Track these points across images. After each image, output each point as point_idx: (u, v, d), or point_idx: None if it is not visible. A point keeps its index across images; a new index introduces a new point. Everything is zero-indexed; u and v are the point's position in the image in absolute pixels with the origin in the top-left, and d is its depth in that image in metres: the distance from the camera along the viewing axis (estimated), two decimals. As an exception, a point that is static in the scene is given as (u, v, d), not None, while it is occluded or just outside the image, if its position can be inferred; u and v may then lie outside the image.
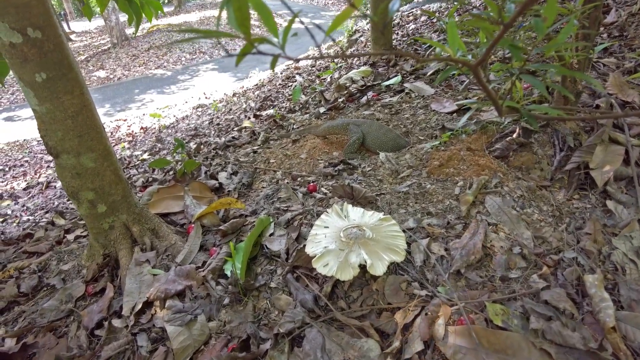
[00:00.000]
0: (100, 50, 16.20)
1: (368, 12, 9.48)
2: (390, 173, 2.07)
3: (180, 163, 2.69)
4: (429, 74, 3.43)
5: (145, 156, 6.52)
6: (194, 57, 15.66)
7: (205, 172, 2.41)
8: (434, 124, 2.51)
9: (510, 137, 2.02)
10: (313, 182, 2.13)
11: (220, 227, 1.79)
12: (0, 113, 11.57)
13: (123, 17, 16.62)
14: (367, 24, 8.80)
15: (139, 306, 1.47)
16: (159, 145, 7.21)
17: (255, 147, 2.93)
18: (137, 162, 6.15)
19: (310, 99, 4.17)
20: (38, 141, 8.97)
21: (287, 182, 2.21)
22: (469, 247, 1.50)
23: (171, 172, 3.09)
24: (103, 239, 1.80)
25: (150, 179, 3.14)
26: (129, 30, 18.03)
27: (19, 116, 11.13)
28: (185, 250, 1.73)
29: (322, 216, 1.55)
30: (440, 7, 6.30)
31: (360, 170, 2.15)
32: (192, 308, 1.42)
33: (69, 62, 1.51)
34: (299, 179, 2.22)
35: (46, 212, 5.98)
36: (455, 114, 2.55)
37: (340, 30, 11.88)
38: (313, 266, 1.34)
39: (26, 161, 7.88)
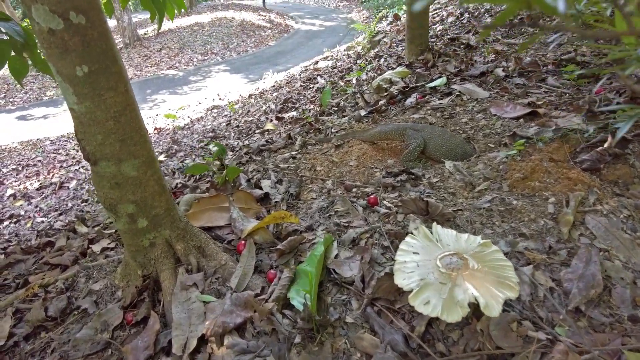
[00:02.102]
0: (112, 50, 16.07)
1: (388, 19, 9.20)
2: (463, 185, 1.83)
3: (217, 168, 2.46)
4: (477, 74, 3.18)
5: (162, 157, 6.31)
6: (205, 57, 15.51)
7: (248, 180, 2.18)
8: (500, 130, 2.27)
9: (601, 147, 1.77)
10: (372, 193, 1.89)
11: (278, 247, 1.56)
12: (14, 112, 11.45)
13: (135, 18, 16.53)
14: (387, 25, 8.57)
15: (193, 343, 1.24)
16: (175, 146, 7.01)
17: (293, 153, 2.70)
18: (154, 164, 5.94)
19: (342, 101, 3.94)
20: (51, 141, 8.82)
21: (341, 193, 1.97)
22: (587, 278, 1.25)
23: (204, 179, 2.86)
24: (142, 257, 1.57)
25: (178, 185, 2.92)
26: (142, 30, 17.95)
27: (32, 115, 11.01)
28: (238, 272, 1.50)
29: (408, 239, 1.31)
30: (476, 7, 6.04)
31: (426, 182, 1.91)
32: (257, 347, 1.19)
33: (113, 53, 1.28)
34: (353, 189, 1.99)
35: (60, 214, 5.78)
36: (522, 120, 2.30)
37: (360, 31, 11.64)
38: (410, 303, 1.10)
39: (39, 161, 7.71)
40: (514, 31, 4.36)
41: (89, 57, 1.22)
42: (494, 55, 3.55)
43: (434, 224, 1.33)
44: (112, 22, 21.23)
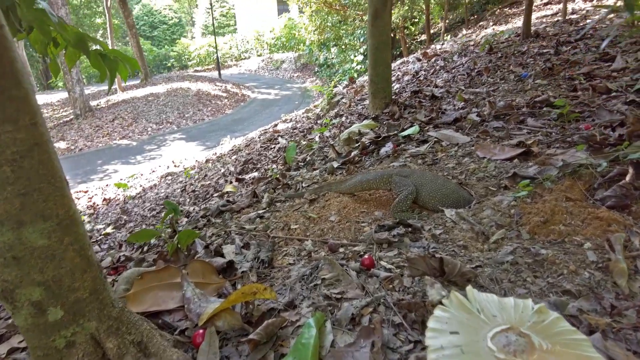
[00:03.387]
0: (61, 122, 15.46)
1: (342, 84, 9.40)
2: (474, 236, 1.51)
3: (169, 236, 2.02)
4: (451, 121, 3.02)
5: (109, 230, 5.69)
6: (160, 127, 15.18)
7: (206, 247, 1.75)
8: (495, 173, 2.02)
9: (624, 181, 1.54)
10: (365, 253, 1.53)
11: (250, 336, 1.13)
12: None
13: (88, 90, 16.19)
14: (343, 88, 8.70)
15: None
16: (125, 217, 6.40)
17: (260, 211, 2.31)
18: (100, 237, 5.32)
19: (309, 156, 3.66)
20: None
21: (326, 255, 1.59)
22: (682, 349, 0.92)
23: (154, 249, 2.39)
24: (54, 365, 1.08)
25: (121, 258, 2.41)
26: (94, 102, 17.53)
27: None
28: (195, 378, 1.05)
29: (438, 312, 0.93)
30: (431, 64, 6.20)
31: (427, 234, 1.57)
32: None
33: (13, 71, 0.91)
34: (340, 249, 1.61)
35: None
36: (516, 160, 2.07)
37: (317, 95, 11.85)
38: (468, 416, 0.71)
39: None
40: (475, 82, 4.38)
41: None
42: (462, 103, 3.46)
43: (469, 287, 0.97)
44: (63, 94, 20.70)
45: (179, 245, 1.67)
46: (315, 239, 1.74)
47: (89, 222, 6.86)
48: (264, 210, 2.31)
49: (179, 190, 6.80)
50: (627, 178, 1.54)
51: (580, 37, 5.16)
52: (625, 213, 1.48)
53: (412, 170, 1.97)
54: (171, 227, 2.32)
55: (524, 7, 10.50)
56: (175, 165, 9.88)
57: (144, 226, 5.09)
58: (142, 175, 9.83)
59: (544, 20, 8.31)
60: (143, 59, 21.31)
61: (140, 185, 8.74)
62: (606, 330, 1.02)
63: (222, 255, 1.69)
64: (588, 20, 6.79)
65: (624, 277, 1.16)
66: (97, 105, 17.32)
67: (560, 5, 8.82)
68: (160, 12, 34.14)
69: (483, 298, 0.96)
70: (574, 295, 1.16)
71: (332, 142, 3.52)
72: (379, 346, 1.03)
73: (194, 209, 4.84)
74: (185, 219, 4.14)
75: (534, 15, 8.45)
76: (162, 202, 6.03)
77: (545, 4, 10.59)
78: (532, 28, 6.37)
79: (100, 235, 5.35)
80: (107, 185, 9.52)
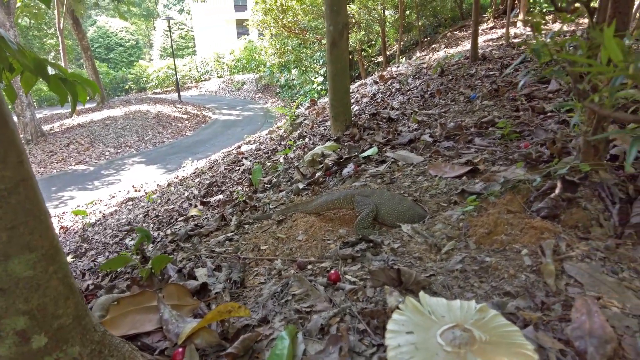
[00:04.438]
0: (10, 148, 14.73)
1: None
2: (427, 248, 1.67)
3: (139, 261, 2.06)
4: (406, 142, 3.24)
5: (69, 259, 5.51)
6: (119, 151, 14.82)
7: (179, 271, 1.82)
8: (446, 190, 2.21)
9: (554, 194, 1.76)
10: (331, 268, 1.65)
11: (228, 350, 1.22)
12: None
13: (40, 113, 15.60)
14: (305, 109, 8.92)
15: None
16: (85, 245, 6.22)
17: (229, 234, 2.40)
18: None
19: (274, 178, 3.77)
20: None
21: (295, 273, 1.70)
22: (597, 332, 1.10)
23: (122, 276, 2.41)
24: (37, 391, 1.13)
25: (89, 287, 2.41)
26: (47, 126, 16.89)
27: None
28: (177, 393, 1.12)
29: (395, 316, 1.07)
30: (387, 87, 6.52)
31: (387, 248, 1.72)
32: None
33: (2, 113, 0.99)
34: (308, 266, 1.73)
35: None
36: (464, 177, 2.29)
37: (280, 117, 12.01)
38: (421, 401, 0.84)
39: None
40: (428, 104, 4.68)
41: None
42: (416, 125, 3.70)
43: (421, 293, 1.12)
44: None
45: (153, 271, 1.73)
46: (284, 258, 1.85)
47: (46, 252, 6.60)
48: (232, 233, 2.39)
49: (141, 215, 6.69)
50: (557, 191, 1.77)
51: (521, 61, 5.63)
52: (555, 222, 1.69)
53: (372, 190, 2.13)
54: (140, 253, 2.35)
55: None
56: (135, 190, 9.67)
57: (107, 254, 4.98)
58: (101, 201, 9.56)
59: (490, 43, 8.93)
60: (99, 82, 20.84)
61: (100, 212, 8.50)
62: (537, 323, 1.19)
63: (195, 278, 1.77)
64: (522, 47, 7.37)
65: (552, 277, 1.35)
66: (51, 129, 16.71)
67: (504, 30, 9.52)
68: (116, 34, 33.56)
69: (434, 302, 1.11)
70: (513, 295, 1.33)
71: (296, 164, 3.66)
72: (346, 351, 1.15)
73: (158, 234, 4.81)
74: (152, 245, 4.13)
75: (480, 39, 9.04)
76: (125, 229, 5.92)
77: (491, 29, 11.37)
78: (480, 51, 6.85)
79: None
80: (63, 213, 9.18)
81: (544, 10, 11.55)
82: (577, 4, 1.14)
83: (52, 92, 2.00)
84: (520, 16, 10.36)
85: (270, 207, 2.73)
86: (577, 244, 1.52)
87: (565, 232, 1.60)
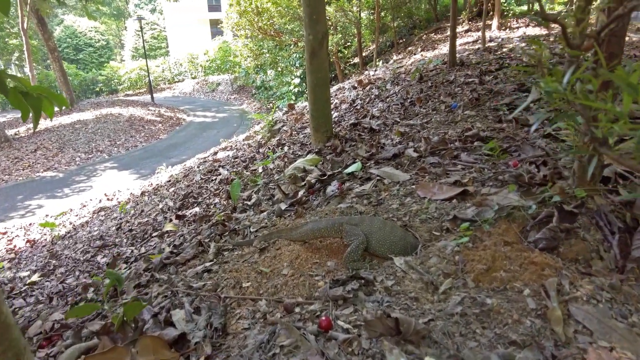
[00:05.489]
0: (-29, 155, 14.04)
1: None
2: (423, 287, 1.57)
3: (112, 305, 1.88)
4: (390, 157, 3.15)
5: (35, 277, 5.20)
6: (90, 156, 14.30)
7: (155, 316, 1.65)
8: (436, 214, 2.12)
9: (551, 224, 1.68)
10: (321, 311, 1.53)
11: None
12: None
13: (3, 117, 14.88)
14: (283, 114, 8.76)
15: None
16: (54, 261, 5.90)
17: (207, 264, 2.24)
18: (24, 288, 4.84)
19: (254, 194, 3.62)
20: None
21: (282, 317, 1.57)
22: (616, 399, 1.01)
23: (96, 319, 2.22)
24: None
25: (55, 325, 2.21)
26: (12, 130, 16.15)
27: None
28: None
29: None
30: (366, 93, 6.44)
31: (380, 286, 1.61)
32: None
33: None
34: (296, 309, 1.60)
35: None
36: (454, 200, 2.20)
37: (256, 121, 11.78)
38: None
39: None
40: (409, 112, 4.61)
41: None
42: (399, 138, 3.62)
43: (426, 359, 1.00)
44: (-28, 125, 18.81)
45: (126, 319, 1.56)
46: (269, 297, 1.71)
47: (10, 268, 6.24)
48: (211, 263, 2.24)
49: (114, 228, 6.40)
50: (554, 221, 1.69)
51: (499, 67, 5.64)
52: (554, 254, 1.62)
53: (361, 218, 2.02)
54: (115, 292, 2.17)
55: (448, 34, 11.28)
56: (108, 199, 9.31)
57: (77, 273, 4.71)
58: (71, 210, 9.15)
59: (467, 47, 8.98)
60: (68, 84, 20.07)
61: (70, 223, 8.13)
62: (551, 383, 1.10)
63: (173, 324, 1.61)
64: (504, 49, 7.44)
65: (560, 325, 1.26)
66: (16, 134, 15.98)
67: (479, 33, 9.60)
68: (85, 34, 32.44)
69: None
70: (519, 345, 1.23)
71: (277, 177, 3.52)
72: None
73: (132, 252, 4.58)
74: (125, 265, 3.90)
75: (457, 42, 9.09)
76: (97, 244, 5.63)
77: (466, 31, 11.47)
78: (457, 55, 6.85)
79: (25, 285, 4.86)
80: (30, 224, 8.74)
81: (517, 14, 11.74)
82: (590, 41, 1.06)
83: (13, 107, 1.81)
84: (495, 20, 10.48)
85: (251, 230, 2.58)
86: (580, 282, 1.45)
87: (566, 267, 1.52)
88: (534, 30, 9.59)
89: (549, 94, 1.00)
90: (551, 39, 7.94)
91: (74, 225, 7.84)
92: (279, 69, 16.92)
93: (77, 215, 8.57)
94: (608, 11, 0.99)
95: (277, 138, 6.76)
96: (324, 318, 1.44)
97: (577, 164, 1.80)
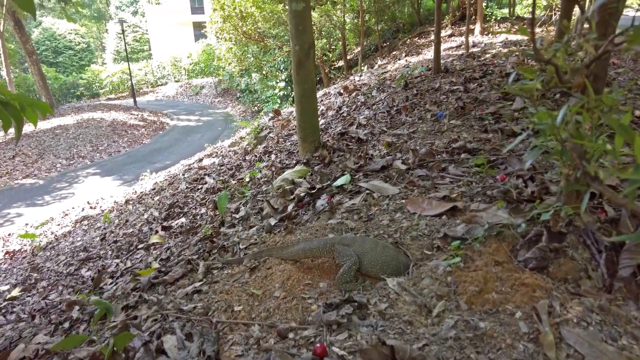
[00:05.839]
0: (-55, 163, 13.63)
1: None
2: (417, 310, 1.57)
3: (100, 329, 1.83)
4: (379, 169, 3.16)
5: (16, 292, 5.07)
6: (71, 162, 14.03)
7: (145, 344, 1.62)
8: (427, 231, 2.13)
9: (541, 244, 1.71)
10: (315, 337, 1.52)
11: None
12: None
13: (-21, 125, 14.45)
14: (269, 120, 8.73)
15: None
16: (35, 275, 5.76)
17: (197, 284, 2.21)
18: (4, 304, 4.70)
19: (242, 206, 3.59)
20: None
21: (275, 343, 1.55)
22: None
23: (79, 326, 2.18)
24: None
25: (40, 350, 2.15)
26: (-12, 138, 15.72)
27: None
28: None
29: None
30: (353, 100, 6.46)
31: (374, 310, 1.61)
32: None
33: None
34: (289, 334, 1.59)
35: None
36: (444, 216, 2.22)
37: (240, 125, 11.70)
38: None
39: None
40: (395, 121, 4.64)
41: None
42: (386, 150, 3.63)
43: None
44: (-53, 131, 18.26)
45: (116, 349, 1.53)
46: (262, 322, 1.69)
47: (-12, 282, 6.06)
48: (201, 283, 2.21)
49: (98, 239, 6.28)
50: (543, 241, 1.72)
51: (483, 74, 5.72)
52: (544, 274, 1.64)
53: (353, 237, 2.02)
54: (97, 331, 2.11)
55: (432, 38, 11.38)
56: (91, 207, 9.13)
57: (60, 288, 4.60)
58: (52, 219, 8.95)
59: (450, 52, 9.09)
60: (47, 88, 19.65)
61: (52, 232, 7.95)
62: (546, 412, 1.11)
63: (165, 352, 1.58)
64: (487, 55, 7.55)
65: (553, 349, 1.28)
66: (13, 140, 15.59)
67: (463, 38, 9.74)
68: (64, 37, 31.81)
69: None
70: (514, 372, 1.25)
71: (266, 192, 3.50)
72: None
73: (117, 265, 4.50)
74: (110, 280, 3.83)
75: (441, 47, 9.20)
76: (80, 257, 5.51)
77: (449, 36, 11.62)
78: (442, 62, 6.92)
79: (5, 300, 4.72)
80: (9, 234, 8.52)
81: (499, 19, 11.94)
82: (581, 78, 1.08)
83: (-6, 118, 1.75)
84: (478, 25, 10.64)
85: (241, 247, 2.56)
86: (570, 303, 1.47)
87: (556, 288, 1.55)
88: (516, 36, 9.77)
89: (542, 131, 1.02)
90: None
91: (55, 235, 7.67)
92: (264, 73, 16.88)
93: (58, 225, 8.38)
94: (595, 46, 1.02)
95: (264, 145, 6.73)
96: (318, 345, 1.43)
97: (564, 184, 1.83)
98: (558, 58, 1.01)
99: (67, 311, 3.09)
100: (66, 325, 2.82)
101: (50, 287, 4.81)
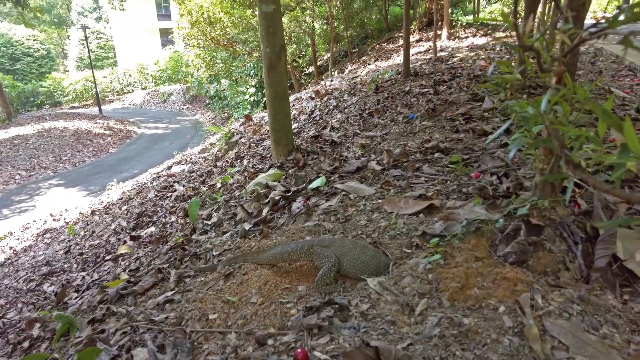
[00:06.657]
0: None
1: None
2: (399, 309, 1.53)
3: (63, 346, 1.70)
4: (354, 170, 3.13)
5: (-32, 315, 4.72)
6: (32, 173, 13.40)
7: (114, 358, 1.51)
8: (405, 230, 2.11)
9: (519, 238, 1.71)
10: (296, 342, 1.46)
11: None
12: None
13: None
14: (241, 126, 8.59)
15: None
16: (-8, 295, 5.41)
17: (168, 293, 2.11)
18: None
19: (214, 212, 3.48)
20: None
21: (254, 351, 1.48)
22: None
23: (39, 345, 2.03)
24: None
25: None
26: (-61, 150, 14.82)
27: None
28: None
29: None
30: (325, 104, 6.44)
31: (355, 311, 1.56)
32: None
33: None
34: (268, 341, 1.52)
35: None
36: (421, 215, 2.20)
37: (210, 132, 11.49)
38: None
39: None
40: (368, 124, 4.65)
41: None
42: (361, 151, 3.62)
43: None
44: None
45: (79, 366, 1.41)
46: (239, 330, 1.61)
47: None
48: (172, 292, 2.10)
49: (62, 252, 5.98)
50: (521, 234, 1.72)
51: (452, 77, 5.83)
52: (524, 268, 1.64)
53: (331, 239, 1.97)
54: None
55: (400, 43, 11.55)
56: (54, 219, 8.71)
57: (19, 305, 4.33)
58: (11, 234, 8.48)
59: (419, 57, 9.25)
60: (4, 96, 18.80)
61: (10, 248, 7.53)
62: (535, 406, 1.09)
63: (135, 368, 1.48)
64: (455, 59, 7.72)
65: (538, 342, 1.27)
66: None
67: (430, 42, 9.93)
68: (22, 43, 30.51)
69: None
70: (501, 367, 1.22)
71: (239, 197, 3.41)
72: None
73: (82, 278, 4.28)
74: (76, 295, 3.62)
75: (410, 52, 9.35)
76: (42, 271, 5.22)
77: (417, 41, 11.84)
78: (411, 66, 7.02)
79: (-42, 321, 4.40)
80: (-36, 251, 8.00)
81: (465, 24, 12.28)
82: (561, 66, 1.09)
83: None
84: (444, 30, 10.88)
85: (214, 254, 2.46)
86: (551, 295, 1.47)
87: (536, 281, 1.54)
88: (481, 40, 10.05)
89: (525, 119, 1.01)
90: (497, 49, 8.34)
91: (14, 250, 7.27)
92: (234, 79, 16.70)
93: (18, 239, 7.95)
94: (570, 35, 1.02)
95: (235, 150, 6.61)
96: (299, 350, 1.37)
97: (539, 176, 1.85)
98: (538, 47, 1.01)
99: (27, 330, 2.89)
100: (25, 344, 2.63)
101: (8, 305, 4.52)
